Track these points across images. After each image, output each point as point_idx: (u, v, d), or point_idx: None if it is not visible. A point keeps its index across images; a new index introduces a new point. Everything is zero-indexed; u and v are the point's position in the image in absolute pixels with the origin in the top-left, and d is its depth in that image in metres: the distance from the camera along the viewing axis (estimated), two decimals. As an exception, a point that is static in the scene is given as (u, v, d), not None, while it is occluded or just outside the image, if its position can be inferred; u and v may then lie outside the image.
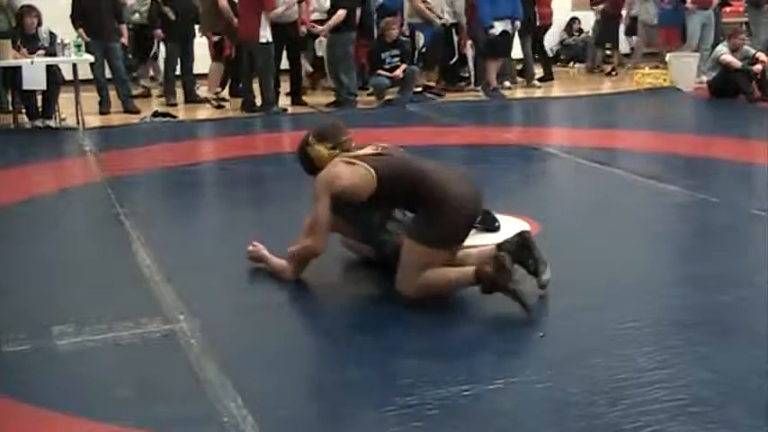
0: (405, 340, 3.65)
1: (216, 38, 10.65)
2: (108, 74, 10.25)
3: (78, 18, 10.05)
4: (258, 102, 10.24)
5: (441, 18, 11.18)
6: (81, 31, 9.98)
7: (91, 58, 9.89)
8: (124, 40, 10.59)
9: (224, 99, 10.98)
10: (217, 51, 10.73)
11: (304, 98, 10.91)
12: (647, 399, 3.07)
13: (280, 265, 4.34)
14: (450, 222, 3.94)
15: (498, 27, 10.93)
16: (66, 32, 9.78)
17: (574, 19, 14.92)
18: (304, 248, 4.16)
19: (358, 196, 4.01)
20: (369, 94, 11.12)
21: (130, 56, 11.69)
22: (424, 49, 11.20)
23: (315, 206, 4.05)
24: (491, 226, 4.82)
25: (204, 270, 4.64)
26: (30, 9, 9.44)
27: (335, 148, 4.22)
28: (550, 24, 13.06)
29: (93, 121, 9.68)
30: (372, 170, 4.00)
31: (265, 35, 9.78)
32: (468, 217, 4.01)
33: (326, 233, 4.13)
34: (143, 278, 4.46)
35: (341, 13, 10.35)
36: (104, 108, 10.17)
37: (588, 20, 14.59)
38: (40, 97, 9.42)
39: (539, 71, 12.60)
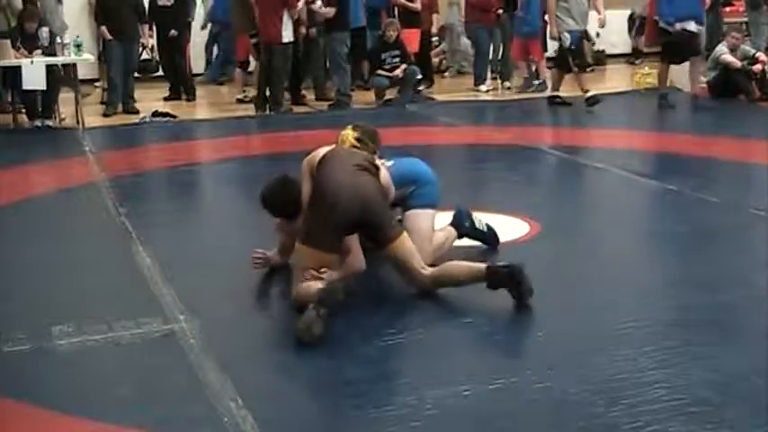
0: (404, 340, 3.65)
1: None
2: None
3: (102, 16, 10.12)
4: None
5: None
6: (104, 29, 10.04)
7: (91, 57, 9.91)
8: (144, 40, 10.61)
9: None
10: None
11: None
12: (647, 399, 3.07)
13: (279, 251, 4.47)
14: (320, 224, 3.99)
15: (681, 26, 9.80)
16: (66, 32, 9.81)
17: None
18: None
19: (311, 169, 4.16)
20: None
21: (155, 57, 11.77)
22: (574, 48, 9.98)
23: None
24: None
25: (204, 270, 4.64)
26: (30, 9, 9.44)
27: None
28: None
29: (93, 121, 9.68)
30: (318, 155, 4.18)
31: (287, 35, 9.82)
32: (336, 223, 3.99)
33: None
34: (143, 278, 4.47)
35: (328, 10, 10.35)
36: (111, 110, 10.15)
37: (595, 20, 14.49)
38: (39, 97, 9.42)
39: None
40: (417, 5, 11.48)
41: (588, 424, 2.93)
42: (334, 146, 4.34)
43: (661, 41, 10.11)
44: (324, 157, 4.16)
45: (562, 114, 10.65)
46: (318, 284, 3.83)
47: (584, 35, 10.06)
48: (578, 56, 9.93)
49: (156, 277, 4.45)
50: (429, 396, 3.12)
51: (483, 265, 4.01)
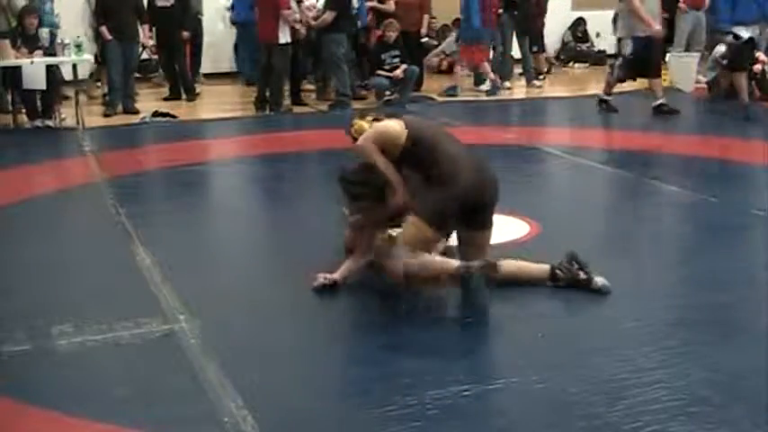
0: (405, 340, 3.65)
1: None
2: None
3: (102, 17, 10.15)
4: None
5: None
6: (104, 29, 10.05)
7: (91, 58, 9.91)
8: (144, 40, 10.60)
9: None
10: None
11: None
12: (647, 399, 3.08)
13: (355, 262, 4.33)
14: (445, 203, 3.97)
15: (744, 33, 9.46)
16: (66, 32, 9.82)
17: (580, 19, 14.84)
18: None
19: (393, 143, 4.06)
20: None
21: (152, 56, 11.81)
22: (630, 57, 9.51)
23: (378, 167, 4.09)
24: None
25: (204, 270, 4.64)
26: (30, 9, 9.45)
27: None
28: None
29: (93, 121, 9.67)
30: (402, 122, 4.13)
31: (284, 36, 9.83)
32: (459, 205, 4.01)
33: (402, 183, 4.09)
34: (143, 278, 4.46)
35: (327, 15, 10.35)
36: (111, 110, 10.15)
37: (596, 20, 14.50)
38: (39, 97, 9.41)
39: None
40: (389, 7, 11.46)
41: (588, 424, 2.93)
42: (405, 121, 4.19)
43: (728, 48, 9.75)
44: (427, 132, 4.11)
45: (562, 114, 10.67)
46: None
47: (651, 40, 9.46)
48: (642, 63, 9.38)
49: (156, 277, 4.44)
50: (429, 396, 3.12)
51: (547, 266, 4.16)
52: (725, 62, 9.84)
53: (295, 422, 3.03)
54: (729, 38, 9.38)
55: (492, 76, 11.55)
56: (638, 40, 9.32)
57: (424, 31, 12.01)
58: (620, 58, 9.57)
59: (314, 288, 4.17)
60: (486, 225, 4.18)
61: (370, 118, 4.42)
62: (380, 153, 4.07)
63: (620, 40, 9.66)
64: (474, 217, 4.10)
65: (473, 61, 11.64)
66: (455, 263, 3.91)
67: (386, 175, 4.07)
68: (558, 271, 4.15)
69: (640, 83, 11.98)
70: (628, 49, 9.41)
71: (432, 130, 4.23)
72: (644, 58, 9.37)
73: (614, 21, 13.92)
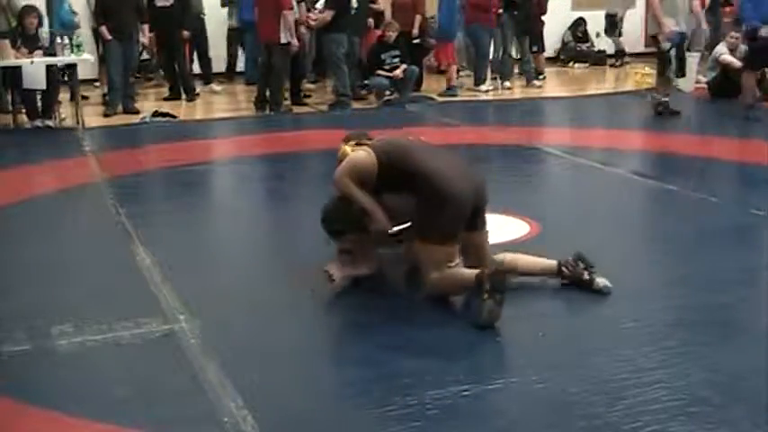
0: (405, 340, 3.65)
1: None
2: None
3: (102, 17, 10.15)
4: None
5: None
6: (104, 29, 10.06)
7: (91, 57, 9.91)
8: (144, 40, 10.61)
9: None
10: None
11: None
12: (647, 399, 3.08)
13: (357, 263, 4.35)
14: (447, 219, 4.00)
15: (763, 32, 8.94)
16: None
17: (580, 19, 14.82)
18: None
19: (367, 172, 4.12)
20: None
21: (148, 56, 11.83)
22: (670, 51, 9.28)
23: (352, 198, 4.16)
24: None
25: (204, 270, 4.64)
26: (30, 9, 9.45)
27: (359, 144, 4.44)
28: None
29: (93, 121, 9.68)
30: (371, 150, 4.18)
31: (286, 36, 9.85)
32: (464, 215, 4.05)
33: (378, 209, 4.15)
34: (143, 278, 4.46)
35: (327, 14, 10.36)
36: (111, 110, 10.14)
37: (596, 20, 14.49)
38: (39, 97, 9.41)
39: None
40: (380, 6, 11.46)
41: (588, 424, 2.93)
42: (372, 146, 4.25)
43: (746, 45, 9.48)
44: (396, 152, 4.16)
45: (562, 114, 10.66)
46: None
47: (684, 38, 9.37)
48: (677, 60, 9.22)
49: (156, 277, 4.45)
50: (429, 396, 3.12)
51: (553, 262, 4.20)
52: (742, 59, 9.66)
53: (295, 422, 3.03)
54: (764, 31, 9.13)
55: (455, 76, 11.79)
56: (674, 36, 9.14)
57: (415, 31, 12.00)
58: (668, 54, 9.28)
59: (333, 287, 4.18)
60: (480, 226, 4.19)
61: (353, 142, 4.45)
62: (355, 184, 4.12)
63: (653, 37, 9.44)
64: (468, 220, 4.11)
65: (445, 59, 11.84)
66: (474, 272, 3.91)
67: (361, 205, 4.12)
68: (564, 268, 4.17)
69: (638, 82, 12.02)
70: (666, 45, 9.21)
71: (402, 149, 4.22)
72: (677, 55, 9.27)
73: (607, 21, 14.03)
